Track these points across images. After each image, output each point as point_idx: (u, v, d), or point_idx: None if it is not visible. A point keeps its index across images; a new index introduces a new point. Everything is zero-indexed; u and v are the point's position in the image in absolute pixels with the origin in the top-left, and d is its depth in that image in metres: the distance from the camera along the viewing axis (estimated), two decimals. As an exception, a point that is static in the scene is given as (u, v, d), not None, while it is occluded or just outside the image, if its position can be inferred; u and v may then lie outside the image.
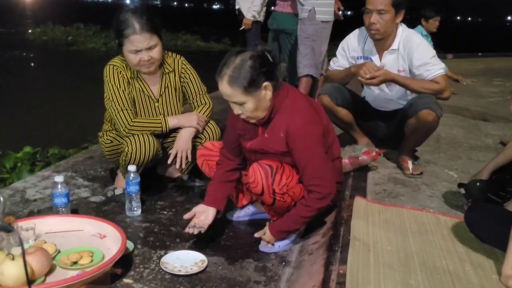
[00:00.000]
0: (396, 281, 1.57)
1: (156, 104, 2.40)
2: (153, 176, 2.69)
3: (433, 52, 2.63)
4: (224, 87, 1.79)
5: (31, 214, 2.18)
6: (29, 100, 6.48)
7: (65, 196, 2.04)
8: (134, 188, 2.19)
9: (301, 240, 2.05)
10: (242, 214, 2.25)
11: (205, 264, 1.81)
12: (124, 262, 1.76)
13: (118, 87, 2.29)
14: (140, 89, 2.37)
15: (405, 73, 2.66)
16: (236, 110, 1.85)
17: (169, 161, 2.34)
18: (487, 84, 6.70)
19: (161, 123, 2.30)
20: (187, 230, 1.94)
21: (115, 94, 2.28)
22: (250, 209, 2.26)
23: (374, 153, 2.64)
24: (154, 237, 2.04)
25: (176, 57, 2.45)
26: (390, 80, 2.61)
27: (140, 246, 1.94)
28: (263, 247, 1.97)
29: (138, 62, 2.25)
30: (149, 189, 2.51)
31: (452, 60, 9.31)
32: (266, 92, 1.81)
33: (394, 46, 2.66)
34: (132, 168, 2.19)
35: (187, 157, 2.32)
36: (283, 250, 1.97)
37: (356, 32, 2.82)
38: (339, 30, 4.11)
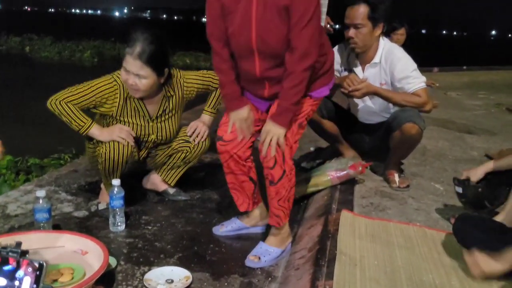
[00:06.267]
0: (383, 296, 1.56)
1: (151, 123, 2.38)
2: (138, 190, 2.66)
3: (414, 65, 2.66)
4: None
5: (12, 230, 2.12)
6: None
7: (46, 211, 1.99)
8: (118, 203, 2.15)
9: (287, 254, 2.03)
10: (228, 229, 2.22)
11: (190, 280, 1.77)
12: (107, 279, 1.72)
13: (92, 92, 2.21)
14: (136, 108, 2.32)
15: (387, 86, 2.69)
16: None
17: (188, 133, 2.45)
18: (471, 97, 6.80)
19: (84, 125, 2.21)
20: (240, 135, 1.98)
21: (84, 89, 2.21)
22: (236, 223, 2.24)
23: (360, 168, 2.63)
24: (138, 252, 2.00)
25: (179, 81, 2.39)
26: (372, 92, 2.63)
27: (123, 262, 1.90)
28: (250, 262, 1.95)
29: (125, 80, 2.22)
30: (133, 203, 2.48)
31: (438, 73, 9.44)
32: None
33: (376, 59, 2.69)
34: (116, 182, 2.15)
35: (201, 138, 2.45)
36: (269, 265, 1.95)
37: (339, 46, 2.86)
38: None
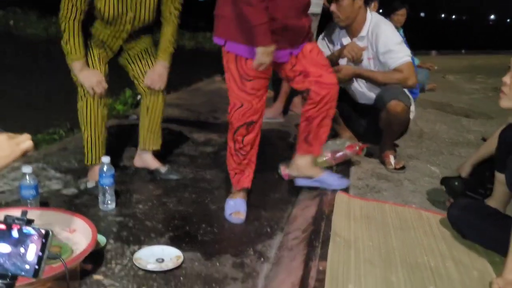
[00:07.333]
0: (377, 278, 1.53)
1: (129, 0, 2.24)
2: (129, 169, 2.61)
3: (398, 39, 2.61)
4: None
5: (-2, 207, 2.07)
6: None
7: (33, 188, 1.94)
8: (107, 181, 2.10)
9: (280, 235, 2.00)
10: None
11: (181, 260, 1.73)
12: (95, 257, 1.68)
13: None
14: None
15: (374, 60, 2.65)
16: None
17: (144, 83, 2.39)
18: (469, 81, 6.76)
19: (73, 54, 2.16)
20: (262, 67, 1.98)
21: None
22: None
23: (357, 148, 2.60)
24: (127, 231, 1.96)
25: None
26: (352, 75, 2.60)
27: (112, 241, 1.86)
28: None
29: None
30: (124, 182, 2.44)
31: (436, 56, 9.37)
32: None
33: (363, 33, 2.64)
34: (105, 159, 2.10)
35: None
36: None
37: (329, 24, 2.84)
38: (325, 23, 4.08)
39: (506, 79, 1.68)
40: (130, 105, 4.06)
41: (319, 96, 2.14)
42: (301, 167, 2.33)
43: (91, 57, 2.28)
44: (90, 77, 2.21)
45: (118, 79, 2.53)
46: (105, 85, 2.24)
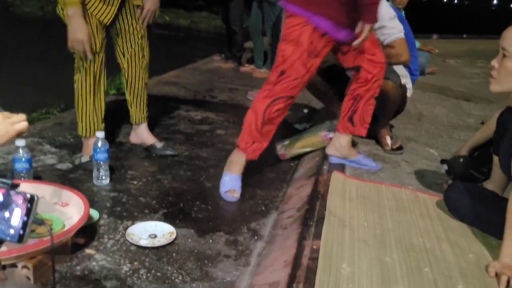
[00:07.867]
0: (371, 258, 1.52)
1: None
2: (125, 145, 2.58)
3: (391, 14, 2.53)
4: None
5: (-9, 180, 2.05)
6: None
7: (26, 162, 1.91)
8: (102, 156, 2.07)
9: (275, 213, 1.98)
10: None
11: (174, 236, 1.72)
12: (88, 231, 1.67)
13: None
14: None
15: None
16: None
17: (140, 21, 2.30)
18: (470, 65, 6.69)
19: (68, 3, 2.04)
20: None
21: None
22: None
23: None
24: (121, 207, 1.94)
25: None
26: None
27: (106, 216, 1.84)
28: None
29: None
30: (119, 158, 2.41)
31: (437, 40, 9.28)
32: None
33: None
34: (100, 134, 2.07)
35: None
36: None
37: None
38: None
39: (494, 62, 1.65)
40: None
41: (371, 75, 2.18)
42: (341, 146, 2.34)
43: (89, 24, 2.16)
44: (77, 30, 2.07)
45: (112, 63, 2.46)
46: (87, 48, 2.11)
